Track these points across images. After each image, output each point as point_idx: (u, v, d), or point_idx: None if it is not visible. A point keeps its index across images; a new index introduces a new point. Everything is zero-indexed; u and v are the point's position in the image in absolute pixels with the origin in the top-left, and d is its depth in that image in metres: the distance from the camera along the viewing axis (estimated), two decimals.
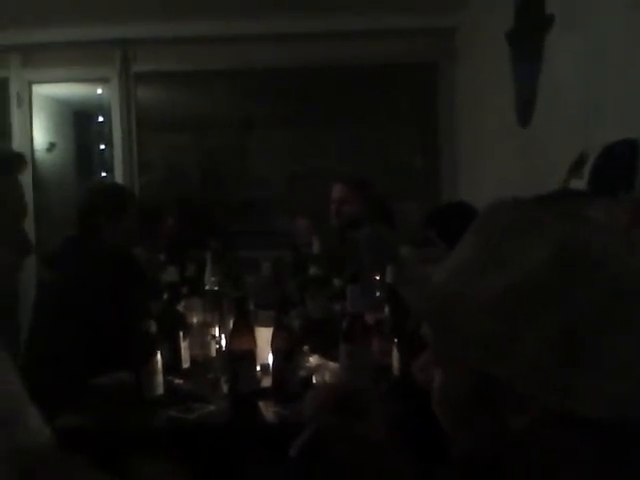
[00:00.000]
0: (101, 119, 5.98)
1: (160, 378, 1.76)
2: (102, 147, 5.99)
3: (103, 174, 5.89)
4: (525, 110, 2.88)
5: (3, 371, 1.19)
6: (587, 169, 1.86)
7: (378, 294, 2.20)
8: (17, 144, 4.10)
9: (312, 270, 2.46)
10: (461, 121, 4.11)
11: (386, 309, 2.02)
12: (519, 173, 3.03)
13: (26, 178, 1.15)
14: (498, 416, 0.63)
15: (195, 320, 2.08)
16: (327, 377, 1.82)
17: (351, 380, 1.66)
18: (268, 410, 1.69)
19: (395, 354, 1.81)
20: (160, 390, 1.76)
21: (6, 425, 1.12)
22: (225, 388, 1.80)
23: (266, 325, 1.86)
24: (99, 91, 5.15)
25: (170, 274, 2.13)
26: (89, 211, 2.33)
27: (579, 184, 1.90)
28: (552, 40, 2.61)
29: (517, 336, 0.60)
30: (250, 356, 1.70)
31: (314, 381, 1.82)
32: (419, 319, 0.73)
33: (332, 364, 1.91)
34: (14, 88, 4.23)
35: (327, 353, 1.98)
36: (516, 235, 0.65)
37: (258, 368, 1.76)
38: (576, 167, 2.03)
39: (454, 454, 0.74)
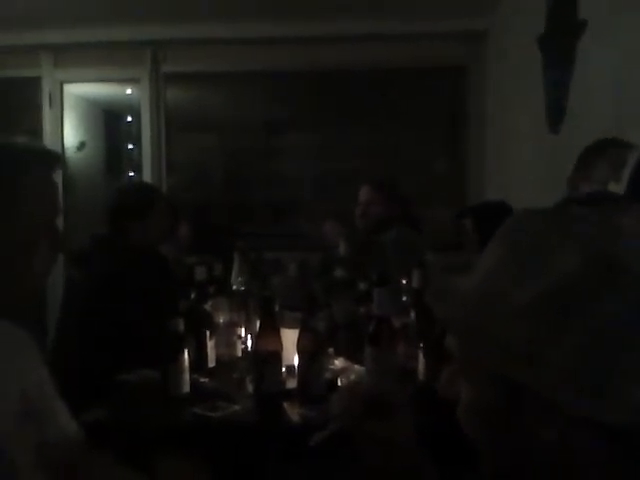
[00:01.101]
0: (130, 119, 6.06)
1: (187, 376, 1.77)
2: (130, 147, 6.07)
3: (130, 173, 5.97)
4: (556, 115, 2.85)
5: (34, 367, 1.20)
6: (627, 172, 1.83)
7: (404, 298, 2.19)
8: (48, 143, 4.16)
9: (338, 272, 2.46)
10: (489, 125, 4.09)
11: (412, 313, 2.01)
12: (548, 179, 3.00)
13: (56, 177, 1.16)
14: (527, 427, 0.63)
15: (222, 320, 2.09)
16: (352, 380, 1.82)
17: (379, 382, 1.66)
18: (293, 411, 1.69)
19: (421, 358, 1.80)
20: (186, 388, 1.77)
21: (35, 419, 1.13)
22: (250, 388, 1.81)
23: (291, 326, 1.86)
24: (128, 91, 5.22)
25: (198, 273, 2.14)
26: (118, 210, 2.35)
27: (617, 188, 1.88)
28: (584, 45, 2.58)
29: (549, 342, 0.60)
30: (276, 357, 1.70)
31: (339, 383, 1.82)
32: (447, 328, 0.72)
33: (357, 367, 1.90)
34: (46, 87, 4.30)
35: (352, 356, 1.98)
36: (548, 242, 0.64)
37: (283, 369, 1.77)
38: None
39: (483, 468, 0.73)
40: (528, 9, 3.23)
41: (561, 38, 2.78)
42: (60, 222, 1.13)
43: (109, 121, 5.99)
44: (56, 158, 1.14)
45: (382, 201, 3.21)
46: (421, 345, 1.81)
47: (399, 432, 0.91)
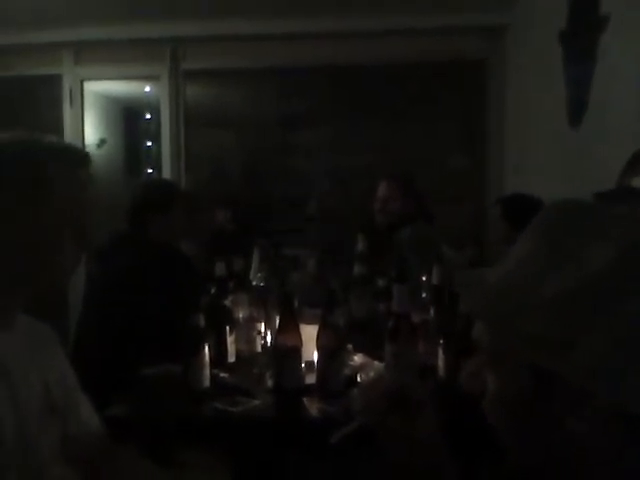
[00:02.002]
0: (148, 116, 6.09)
1: (207, 371, 1.79)
2: (149, 144, 6.11)
3: (149, 170, 6.01)
4: (577, 111, 2.83)
5: (57, 361, 1.22)
6: None
7: (424, 295, 2.19)
8: (69, 140, 4.20)
9: (356, 269, 2.46)
10: (509, 121, 4.06)
11: (431, 310, 2.01)
12: (568, 174, 2.98)
13: (85, 175, 1.15)
14: (554, 417, 0.63)
15: (241, 315, 2.11)
16: (371, 376, 1.82)
17: (400, 378, 1.66)
18: (312, 406, 1.70)
19: (440, 355, 1.80)
20: (207, 383, 1.79)
21: (59, 413, 1.14)
22: (270, 383, 1.82)
23: (310, 322, 1.87)
24: (147, 89, 5.25)
25: (218, 269, 2.15)
26: (140, 205, 2.37)
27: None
28: (606, 40, 2.55)
29: (580, 333, 0.60)
30: (296, 353, 1.71)
31: (358, 379, 1.82)
32: (478, 318, 0.72)
33: (376, 363, 1.91)
34: (67, 85, 4.34)
35: (371, 352, 1.98)
36: (580, 234, 0.65)
37: (303, 365, 1.77)
38: (631, 167, 1.98)
39: (505, 464, 0.73)
40: (548, 4, 3.20)
41: (583, 33, 2.75)
42: (88, 220, 1.13)
43: (128, 118, 6.03)
44: (85, 156, 1.15)
45: (401, 197, 3.20)
46: (441, 341, 1.80)
47: (422, 428, 0.91)
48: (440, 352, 1.80)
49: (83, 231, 1.12)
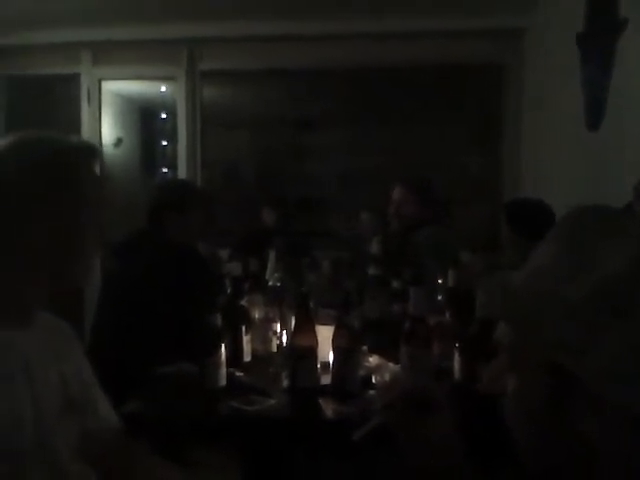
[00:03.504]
0: (164, 116, 6.13)
1: (224, 370, 1.80)
2: (164, 143, 6.15)
3: (164, 170, 6.05)
4: (595, 114, 2.82)
5: (76, 358, 1.23)
6: None
7: (440, 297, 2.19)
8: (86, 139, 4.23)
9: (371, 271, 2.47)
10: (526, 124, 4.04)
11: (447, 312, 2.01)
12: (586, 177, 2.96)
13: (102, 173, 1.17)
14: (572, 418, 0.63)
15: (257, 315, 2.12)
16: (387, 377, 1.82)
17: (419, 379, 1.66)
18: (327, 407, 1.70)
19: (456, 357, 1.80)
20: (223, 382, 1.80)
21: (78, 411, 1.16)
22: (285, 383, 1.83)
23: (326, 323, 1.88)
24: (163, 88, 5.28)
25: (234, 269, 2.17)
26: (158, 205, 2.39)
27: None
28: (624, 43, 2.54)
29: (597, 336, 0.61)
30: (311, 353, 1.71)
31: (373, 381, 1.83)
32: (501, 319, 0.73)
33: (391, 365, 1.91)
34: (84, 84, 4.38)
35: (386, 353, 1.98)
36: (604, 237, 0.65)
37: (318, 365, 1.78)
38: None
39: (525, 463, 0.73)
40: (567, 7, 3.19)
41: (601, 36, 2.74)
42: (104, 218, 1.15)
43: (144, 118, 6.07)
44: (96, 150, 1.16)
45: (415, 200, 3.20)
46: (457, 344, 1.80)
47: (438, 428, 0.91)
48: (456, 354, 1.80)
49: (101, 230, 1.13)
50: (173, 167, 5.23)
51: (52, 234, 1.05)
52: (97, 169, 1.13)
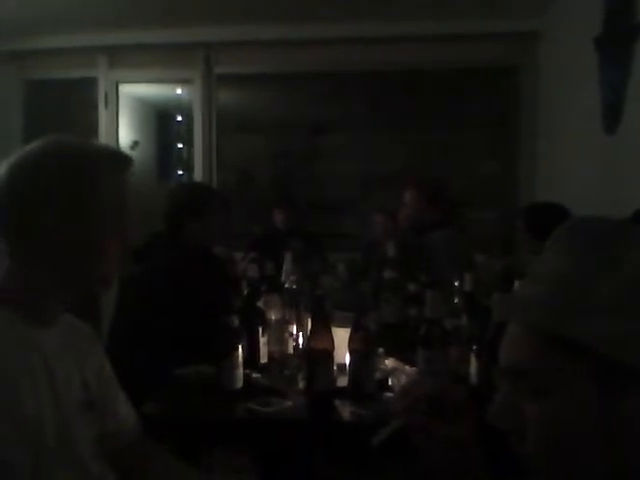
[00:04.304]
0: (179, 118, 6.16)
1: (241, 372, 1.81)
2: (180, 146, 6.17)
3: (180, 172, 6.07)
4: (612, 117, 2.80)
5: (97, 360, 1.25)
6: None
7: (456, 300, 2.19)
8: (103, 142, 4.27)
9: (387, 274, 2.47)
10: (542, 127, 4.03)
11: (464, 316, 2.01)
12: (602, 180, 2.95)
13: (127, 178, 1.18)
14: (628, 422, 0.63)
15: (273, 317, 2.12)
16: (403, 380, 1.82)
17: (442, 382, 1.66)
18: (344, 409, 1.71)
19: (473, 361, 1.80)
20: (240, 383, 1.81)
21: (98, 411, 1.17)
22: (301, 385, 1.83)
23: (343, 325, 1.88)
24: (178, 91, 5.31)
25: (251, 270, 2.18)
26: (178, 209, 2.40)
27: None
28: None
29: (629, 333, 0.62)
30: (328, 356, 1.72)
31: (389, 383, 1.83)
32: (534, 332, 0.69)
33: (408, 368, 1.91)
34: (102, 87, 4.42)
35: (403, 356, 1.98)
36: (623, 236, 0.67)
37: (335, 367, 1.78)
38: None
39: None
40: (583, 10, 3.17)
41: (619, 39, 2.73)
42: (128, 221, 1.16)
43: (160, 120, 6.10)
44: (127, 160, 1.18)
45: (428, 203, 3.20)
46: (473, 348, 1.80)
47: (459, 432, 0.91)
48: (472, 358, 1.80)
49: (125, 234, 1.15)
50: (188, 170, 5.26)
51: (79, 237, 1.06)
52: (127, 177, 1.14)
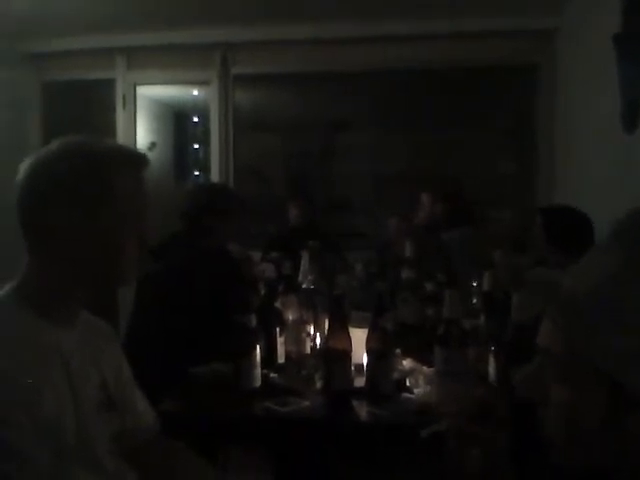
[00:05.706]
0: (196, 119, 6.19)
1: (258, 371, 1.81)
2: (196, 146, 6.20)
3: (196, 173, 6.10)
4: (631, 115, 2.76)
5: (116, 358, 1.26)
6: None
7: (474, 300, 2.18)
8: (121, 143, 4.29)
9: (404, 273, 2.46)
10: (560, 126, 3.99)
11: (482, 316, 2.00)
12: (621, 179, 2.91)
13: (144, 178, 1.18)
14: (628, 431, 0.62)
15: (291, 317, 2.13)
16: (421, 381, 1.82)
17: (491, 393, 1.65)
18: (361, 409, 1.71)
19: (491, 361, 1.79)
20: (258, 382, 1.81)
21: (116, 409, 1.18)
22: (319, 385, 1.83)
23: (360, 326, 1.87)
24: (195, 92, 5.34)
25: (267, 271, 2.18)
26: (198, 210, 2.41)
27: None
28: None
29: None
30: (346, 356, 1.72)
31: (407, 384, 1.82)
32: (564, 331, 0.69)
33: (425, 368, 1.90)
34: (120, 89, 4.45)
35: (420, 357, 1.97)
36: None
37: (352, 368, 1.78)
38: None
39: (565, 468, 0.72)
40: (602, 7, 3.14)
41: (638, 36, 2.69)
42: (146, 220, 1.16)
43: (177, 121, 6.14)
44: (144, 159, 1.18)
45: (444, 203, 3.19)
46: (492, 347, 1.79)
47: (500, 439, 0.92)
48: (491, 358, 1.79)
49: (144, 234, 1.15)
50: (205, 170, 5.28)
51: (98, 237, 1.07)
52: (144, 176, 1.15)
